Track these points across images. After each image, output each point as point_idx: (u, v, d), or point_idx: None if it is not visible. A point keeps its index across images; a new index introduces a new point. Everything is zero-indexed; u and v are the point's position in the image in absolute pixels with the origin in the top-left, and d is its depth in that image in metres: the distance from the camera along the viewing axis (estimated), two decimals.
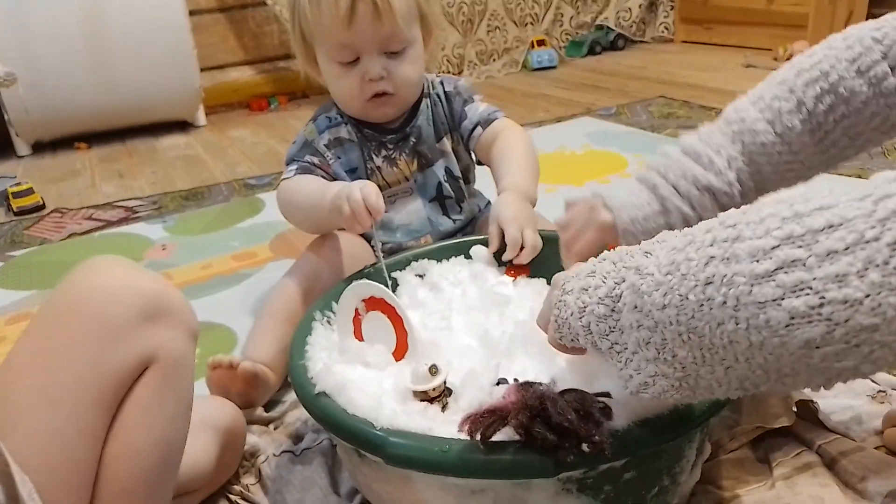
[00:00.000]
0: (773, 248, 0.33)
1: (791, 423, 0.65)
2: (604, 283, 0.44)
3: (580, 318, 0.45)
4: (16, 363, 0.46)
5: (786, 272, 0.32)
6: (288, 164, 0.88)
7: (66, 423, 0.44)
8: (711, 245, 0.36)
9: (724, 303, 0.34)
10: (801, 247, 0.32)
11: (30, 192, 1.57)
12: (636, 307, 0.40)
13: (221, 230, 1.35)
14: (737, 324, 0.34)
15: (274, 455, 0.69)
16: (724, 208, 0.59)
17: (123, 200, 1.58)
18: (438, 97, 0.92)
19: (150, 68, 1.99)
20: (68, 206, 1.57)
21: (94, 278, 0.48)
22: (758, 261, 0.33)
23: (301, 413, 0.76)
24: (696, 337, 0.37)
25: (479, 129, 0.89)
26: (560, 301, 0.47)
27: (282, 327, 0.79)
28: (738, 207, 0.57)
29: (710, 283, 0.35)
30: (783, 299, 0.32)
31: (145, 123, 2.14)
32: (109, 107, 2.01)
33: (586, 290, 0.45)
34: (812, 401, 0.67)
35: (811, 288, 0.31)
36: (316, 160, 0.87)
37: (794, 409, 0.67)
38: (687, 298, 0.36)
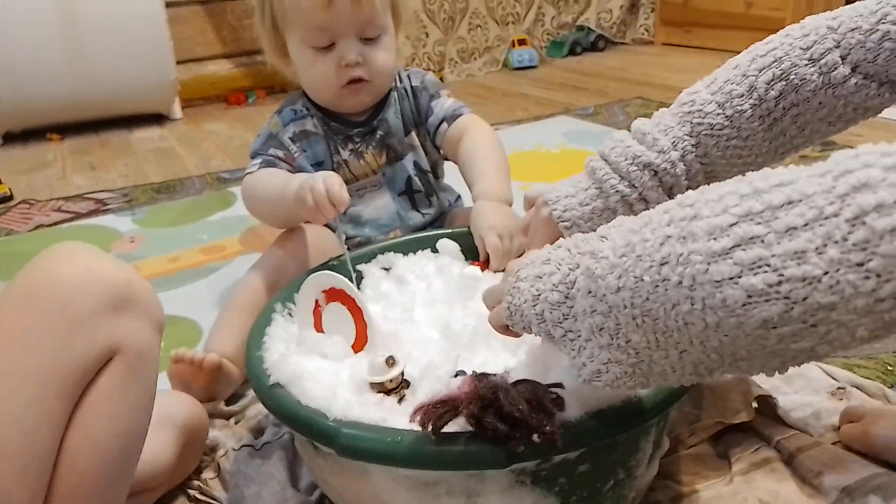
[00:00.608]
0: (731, 225, 0.32)
1: (750, 419, 0.66)
2: (558, 269, 0.44)
3: (534, 305, 0.45)
4: None
5: (744, 249, 0.31)
6: (252, 157, 0.87)
7: (26, 410, 0.43)
8: (668, 225, 0.35)
9: (680, 283, 0.33)
10: (759, 223, 0.31)
11: None
12: (590, 292, 0.40)
13: (191, 223, 1.33)
14: (692, 304, 0.33)
15: (234, 449, 0.68)
16: (669, 189, 0.59)
17: (94, 192, 1.56)
18: (406, 91, 0.91)
19: (125, 59, 1.96)
20: (37, 198, 1.54)
21: (58, 265, 0.47)
22: (715, 238, 0.32)
23: (263, 407, 0.74)
24: (650, 320, 0.36)
25: (444, 124, 0.88)
26: (514, 288, 0.47)
27: (246, 320, 0.77)
28: (681, 190, 0.56)
29: (666, 262, 0.34)
30: (740, 277, 0.31)
31: (120, 115, 2.11)
32: (83, 98, 1.98)
33: (540, 277, 0.45)
34: (771, 396, 0.67)
35: (769, 265, 0.30)
36: (280, 153, 0.86)
37: (754, 404, 0.67)
38: (642, 280, 0.36)
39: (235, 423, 0.73)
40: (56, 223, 1.39)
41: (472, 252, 0.78)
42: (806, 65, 0.54)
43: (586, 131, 1.78)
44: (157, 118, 2.17)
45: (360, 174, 0.90)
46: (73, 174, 1.72)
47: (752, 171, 0.59)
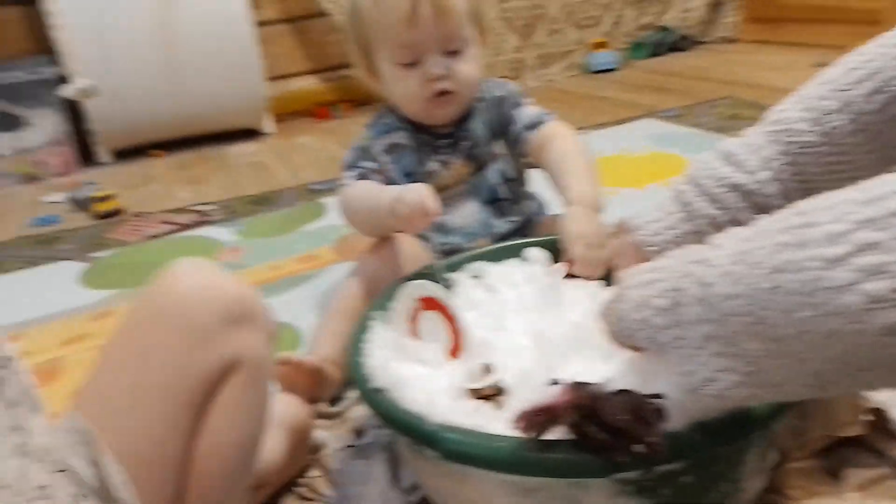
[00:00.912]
0: (849, 231, 0.32)
1: (862, 433, 0.63)
2: (667, 277, 0.44)
3: (638, 312, 0.45)
4: (110, 362, 0.49)
5: (863, 255, 0.31)
6: (346, 170, 0.91)
7: (156, 421, 0.46)
8: (782, 232, 0.35)
9: (798, 289, 0.33)
10: (879, 230, 0.31)
11: (111, 197, 1.67)
12: (701, 299, 0.40)
13: (288, 233, 1.40)
14: (811, 311, 0.33)
15: (337, 449, 0.71)
16: (760, 208, 0.57)
17: (196, 205, 1.66)
18: (490, 101, 0.93)
19: (219, 79, 2.08)
20: (145, 211, 1.66)
21: (180, 282, 0.50)
22: (832, 245, 0.32)
23: (363, 409, 0.78)
24: (767, 328, 0.36)
25: (528, 132, 0.90)
26: (621, 294, 0.47)
27: (345, 325, 0.82)
28: (781, 207, 0.55)
29: (782, 269, 0.34)
30: (860, 283, 0.31)
31: (216, 132, 2.24)
32: (182, 116, 2.12)
33: (648, 284, 0.45)
34: (884, 410, 0.65)
35: (890, 271, 0.30)
36: (372, 166, 0.89)
37: (866, 417, 0.65)
38: (758, 287, 0.36)
39: (338, 424, 0.77)
40: (164, 234, 1.49)
41: (560, 260, 0.79)
42: None
43: (673, 134, 1.75)
44: (251, 133, 2.29)
45: (447, 184, 0.92)
46: (176, 188, 1.85)
47: (855, 181, 0.58)
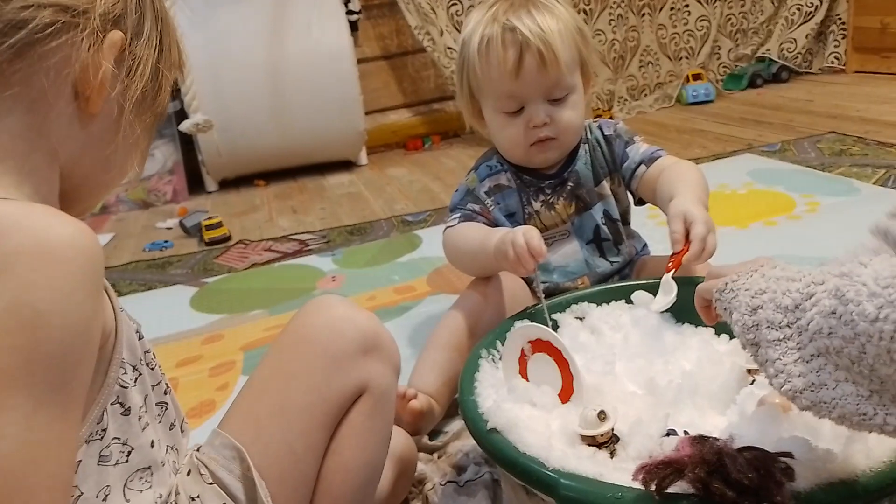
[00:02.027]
0: None
1: None
2: (801, 278, 0.43)
3: (756, 298, 0.45)
4: (258, 384, 0.54)
5: None
6: (452, 211, 0.94)
7: (297, 439, 0.50)
8: None
9: None
10: None
11: (219, 224, 1.78)
12: (834, 313, 0.39)
13: (384, 264, 1.44)
14: None
15: (440, 484, 0.73)
16: None
17: (297, 234, 1.75)
18: (598, 141, 0.94)
19: (322, 113, 2.18)
20: (250, 238, 1.76)
21: (320, 315, 0.55)
22: None
23: (463, 444, 0.79)
24: None
25: (642, 167, 0.90)
26: (747, 274, 0.47)
27: (446, 358, 0.84)
28: None
29: None
30: None
31: (315, 163, 2.34)
32: (285, 148, 2.23)
33: (777, 279, 0.45)
34: None
35: None
36: (477, 207, 0.92)
37: None
38: None
39: (438, 458, 0.79)
40: (268, 262, 1.57)
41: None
42: None
43: (774, 170, 1.69)
44: (346, 164, 2.38)
45: (550, 224, 0.93)
46: (278, 216, 1.94)
47: None
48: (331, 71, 2.17)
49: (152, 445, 0.45)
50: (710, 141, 2.04)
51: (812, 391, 0.40)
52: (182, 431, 0.51)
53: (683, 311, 0.77)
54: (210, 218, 1.80)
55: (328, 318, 0.54)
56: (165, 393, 0.49)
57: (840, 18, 2.62)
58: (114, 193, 2.11)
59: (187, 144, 2.23)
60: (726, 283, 0.47)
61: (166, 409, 0.49)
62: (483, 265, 0.87)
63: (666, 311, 0.78)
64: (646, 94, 2.60)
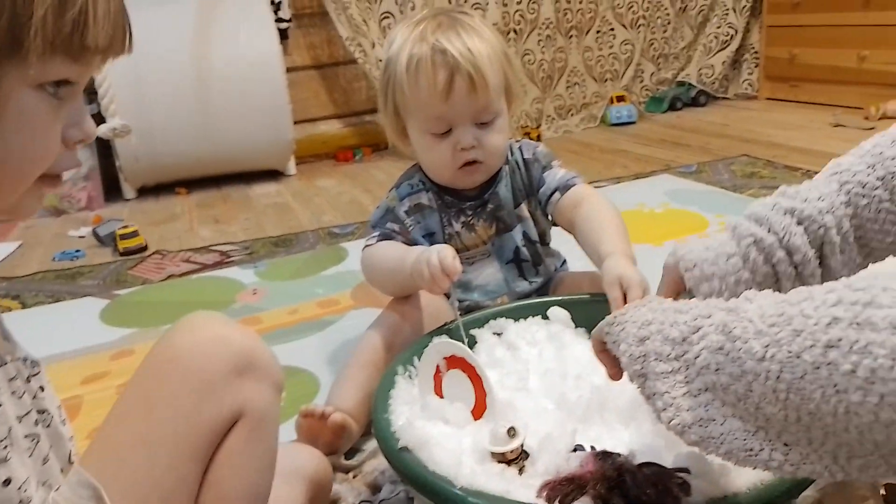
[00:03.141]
0: None
1: None
2: (687, 311, 0.43)
3: (640, 327, 0.45)
4: (120, 411, 0.49)
5: None
6: (372, 228, 0.93)
7: (165, 473, 0.46)
8: (836, 305, 0.34)
9: (853, 371, 0.32)
10: None
11: (135, 234, 1.70)
12: (721, 349, 0.39)
13: (308, 277, 1.42)
14: (866, 396, 0.32)
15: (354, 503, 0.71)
16: (818, 243, 0.54)
17: (218, 245, 1.69)
18: (517, 164, 0.95)
19: (248, 121, 2.14)
20: (168, 249, 1.69)
21: (192, 334, 0.50)
22: None
23: (379, 463, 0.78)
24: (799, 399, 0.35)
25: (557, 194, 0.91)
26: (635, 307, 0.48)
27: (366, 377, 0.83)
28: (836, 250, 0.52)
29: (834, 346, 0.33)
30: None
31: (240, 171, 2.29)
32: (209, 155, 2.17)
33: (664, 310, 0.45)
34: None
35: None
36: (396, 227, 0.92)
37: (882, 491, 0.64)
38: (799, 357, 0.35)
39: (354, 478, 0.77)
40: (185, 273, 1.51)
41: (582, 320, 0.79)
42: None
43: (690, 190, 1.76)
44: (273, 174, 2.33)
45: (470, 245, 0.94)
46: (199, 226, 1.88)
47: None
48: (259, 78, 2.13)
49: (6, 483, 0.40)
50: (632, 161, 2.12)
51: (701, 426, 0.40)
52: (70, 462, 0.47)
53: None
54: (125, 227, 1.72)
55: (198, 339, 0.50)
56: (37, 424, 0.44)
57: (753, 48, 2.78)
58: None
59: (105, 149, 2.14)
60: (615, 317, 0.48)
61: (38, 441, 0.44)
62: (400, 284, 0.87)
63: (580, 327, 0.80)
64: (572, 114, 2.68)
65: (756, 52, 2.78)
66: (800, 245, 0.53)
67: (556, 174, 0.93)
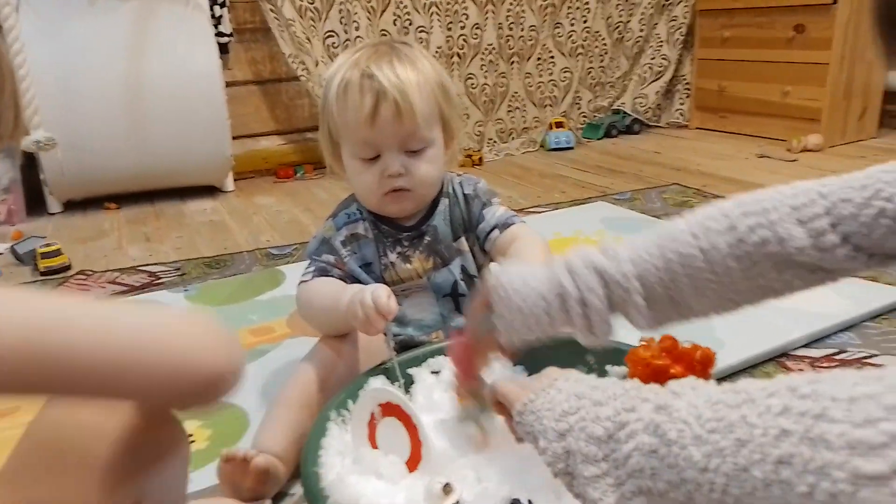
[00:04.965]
0: (884, 445, 0.29)
1: None
2: (608, 402, 0.42)
3: (558, 419, 0.43)
4: None
5: None
6: (308, 259, 0.92)
7: None
8: (783, 414, 0.32)
9: (810, 494, 0.31)
10: None
11: (57, 252, 1.62)
12: (655, 452, 0.37)
13: (242, 301, 1.38)
14: None
15: None
16: (616, 303, 0.57)
17: (148, 265, 1.63)
18: (457, 197, 0.95)
19: (185, 135, 2.07)
20: (93, 269, 1.61)
21: (76, 413, 0.42)
22: (863, 457, 0.29)
23: None
24: None
25: (496, 231, 0.92)
26: (544, 391, 0.46)
27: (295, 416, 0.80)
28: (637, 308, 0.55)
29: (787, 463, 0.31)
30: None
31: (175, 187, 2.21)
32: (142, 170, 2.09)
33: (581, 398, 0.43)
34: None
35: None
36: (332, 259, 0.91)
37: None
38: (747, 472, 0.33)
39: None
40: (111, 296, 1.45)
41: (522, 357, 0.80)
42: (794, 223, 0.53)
43: (624, 218, 1.81)
44: (210, 190, 2.27)
45: (406, 277, 0.93)
46: (128, 244, 1.80)
47: (728, 305, 0.58)
48: (197, 92, 2.07)
49: None
50: (569, 186, 2.16)
51: None
52: None
53: (537, 366, 0.80)
54: (47, 245, 1.64)
55: (86, 416, 0.41)
56: None
57: (685, 79, 2.90)
58: None
59: (29, 160, 2.03)
60: (525, 405, 0.46)
61: None
62: (335, 324, 0.86)
63: (520, 365, 0.81)
64: (513, 138, 2.72)
65: (688, 84, 2.90)
66: (597, 305, 0.56)
67: (496, 212, 0.94)
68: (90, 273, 1.59)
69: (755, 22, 2.55)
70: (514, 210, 0.98)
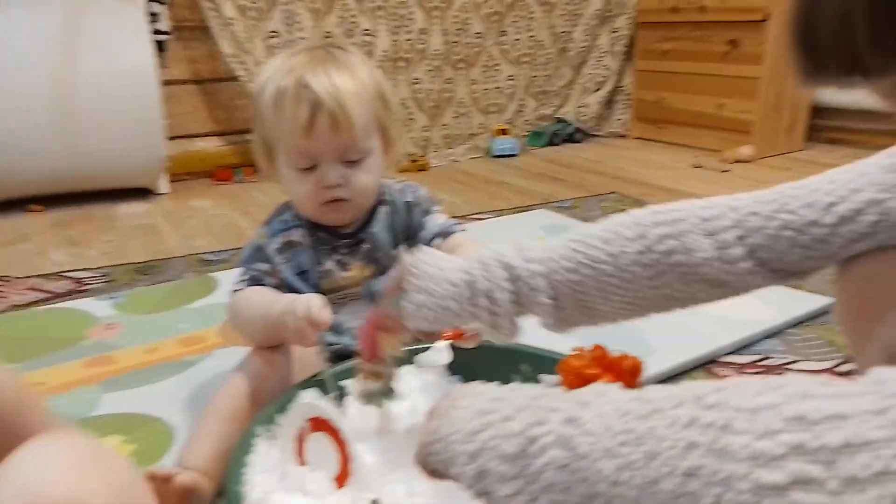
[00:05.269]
0: (783, 456, 0.30)
1: None
2: (516, 416, 0.40)
3: (467, 442, 0.42)
4: None
5: (802, 492, 0.29)
6: (241, 266, 0.89)
7: None
8: (690, 427, 0.33)
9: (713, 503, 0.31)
10: (817, 464, 0.29)
11: None
12: (566, 466, 0.37)
13: (172, 310, 1.32)
14: None
15: None
16: (521, 301, 0.58)
17: (73, 271, 1.55)
18: (398, 205, 0.94)
19: (117, 135, 1.99)
20: (12, 275, 1.53)
21: (4, 479, 0.37)
22: (764, 468, 0.30)
23: None
24: None
25: (438, 239, 0.92)
26: (447, 415, 0.44)
27: (224, 429, 0.77)
28: (543, 308, 0.56)
29: (694, 475, 0.32)
30: None
31: (106, 188, 2.12)
32: (70, 170, 1.99)
33: (487, 413, 0.42)
34: None
35: None
36: (265, 267, 0.88)
37: None
38: (657, 485, 0.33)
39: None
40: (31, 303, 1.37)
41: (457, 367, 0.79)
42: (702, 234, 0.54)
43: (564, 225, 1.83)
44: (143, 192, 2.18)
45: (343, 285, 0.91)
46: (52, 249, 1.71)
47: (634, 312, 0.59)
48: (130, 90, 1.99)
49: None
50: (513, 193, 2.18)
51: None
52: None
53: (472, 376, 0.80)
54: None
55: (17, 488, 0.36)
56: None
57: (625, 90, 2.97)
58: None
59: None
60: (429, 436, 0.44)
61: None
62: (267, 335, 0.83)
63: (456, 375, 0.80)
64: (459, 144, 2.72)
65: (628, 94, 2.97)
66: (502, 299, 0.58)
67: (438, 220, 0.93)
68: (9, 279, 1.50)
69: (692, 36, 2.63)
70: (458, 216, 0.98)
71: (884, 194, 0.50)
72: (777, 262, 0.53)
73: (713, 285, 0.55)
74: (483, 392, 0.45)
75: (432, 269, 0.60)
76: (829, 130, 2.67)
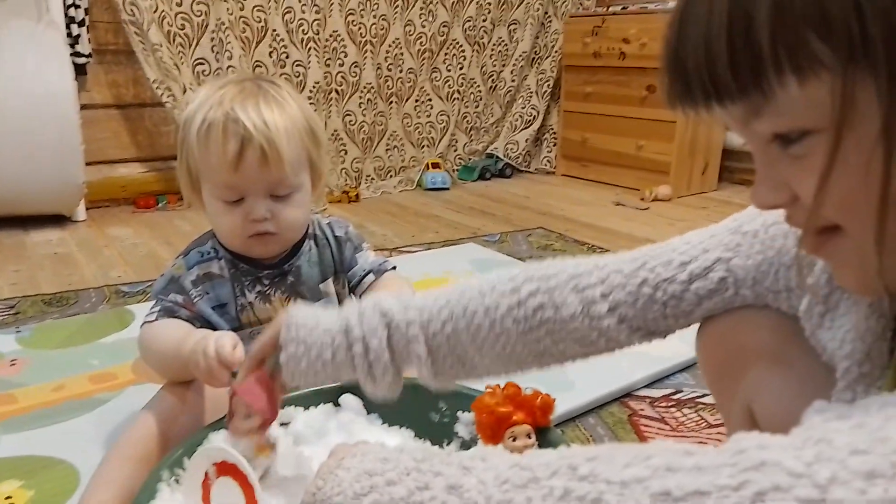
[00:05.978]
0: None
1: None
2: (401, 480, 0.41)
3: (355, 498, 0.42)
4: None
5: None
6: (154, 297, 0.87)
7: None
8: (563, 499, 0.35)
9: None
10: None
11: None
12: None
13: (83, 344, 1.27)
14: None
15: None
16: (396, 351, 0.58)
17: None
18: (327, 240, 0.94)
19: (31, 159, 1.91)
20: None
21: None
22: None
23: None
24: None
25: (371, 276, 0.93)
26: (331, 474, 0.44)
27: (130, 472, 0.75)
28: (419, 358, 0.57)
29: None
30: None
31: (17, 215, 2.02)
32: None
33: (372, 475, 0.42)
34: None
35: None
36: (180, 299, 0.86)
37: None
38: None
39: None
40: None
41: (375, 406, 0.80)
42: (570, 291, 0.56)
43: (492, 260, 1.87)
44: (58, 219, 2.09)
45: (265, 318, 0.90)
46: None
47: (510, 366, 0.60)
48: (47, 112, 1.92)
49: None
50: (443, 226, 2.21)
51: None
52: None
53: (391, 415, 0.80)
54: None
55: None
56: None
57: (552, 129, 3.08)
58: None
59: None
60: (313, 496, 0.45)
61: None
62: (177, 371, 0.81)
63: (373, 413, 0.80)
64: (391, 176, 2.75)
65: (555, 133, 3.08)
66: (377, 348, 0.58)
67: (369, 257, 0.95)
68: None
69: (613, 80, 2.76)
70: (388, 249, 1.00)
71: (729, 253, 0.55)
72: (637, 319, 0.56)
73: (581, 343, 0.57)
74: (369, 451, 0.45)
75: (310, 321, 0.60)
76: (739, 172, 2.84)
